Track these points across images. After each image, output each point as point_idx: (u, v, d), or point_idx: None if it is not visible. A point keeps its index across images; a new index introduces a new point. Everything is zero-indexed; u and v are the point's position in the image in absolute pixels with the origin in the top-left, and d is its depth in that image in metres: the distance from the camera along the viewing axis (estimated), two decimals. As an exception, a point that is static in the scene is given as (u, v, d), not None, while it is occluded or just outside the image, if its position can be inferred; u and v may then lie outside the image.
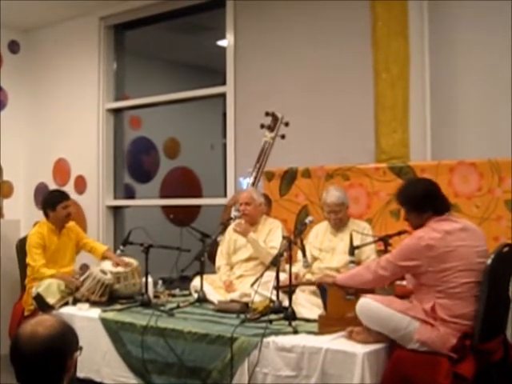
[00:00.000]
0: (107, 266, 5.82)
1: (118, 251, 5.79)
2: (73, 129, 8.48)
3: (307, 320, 4.55)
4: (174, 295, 5.87)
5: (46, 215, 6.13)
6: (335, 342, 4.01)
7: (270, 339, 4.13)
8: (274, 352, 4.09)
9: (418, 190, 4.21)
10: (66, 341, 2.47)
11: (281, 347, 4.08)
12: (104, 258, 6.10)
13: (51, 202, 6.12)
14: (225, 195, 7.13)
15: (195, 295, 5.55)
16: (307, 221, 5.08)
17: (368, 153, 5.91)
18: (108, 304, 5.46)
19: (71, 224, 6.28)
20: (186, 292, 5.90)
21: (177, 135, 9.81)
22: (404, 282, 4.42)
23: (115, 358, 4.92)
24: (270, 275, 4.78)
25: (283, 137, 6.10)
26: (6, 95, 8.75)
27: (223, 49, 7.31)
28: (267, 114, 6.13)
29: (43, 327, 2.43)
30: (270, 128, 6.11)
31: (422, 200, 4.14)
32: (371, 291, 4.19)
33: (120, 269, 5.77)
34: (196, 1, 7.47)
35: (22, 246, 6.53)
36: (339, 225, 5.29)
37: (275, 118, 6.12)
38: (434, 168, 5.35)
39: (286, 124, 6.10)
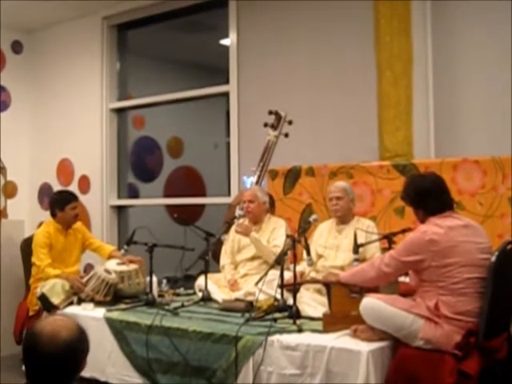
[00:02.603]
0: (111, 265, 5.82)
1: (122, 251, 5.82)
2: (76, 129, 8.49)
3: (312, 318, 4.55)
4: (178, 294, 5.87)
5: (54, 215, 6.13)
6: (340, 340, 4.02)
7: (275, 338, 4.14)
8: (279, 350, 4.09)
9: (411, 189, 4.28)
10: (84, 344, 2.51)
11: (285, 346, 4.08)
12: (111, 258, 6.10)
13: (60, 202, 6.12)
14: (229, 194, 7.14)
15: (200, 294, 5.55)
16: (311, 219, 5.09)
17: (372, 151, 5.91)
18: (112, 303, 5.47)
19: (78, 224, 6.28)
20: (191, 291, 5.91)
21: (180, 134, 9.81)
22: (407, 279, 4.42)
23: (120, 357, 4.93)
24: (275, 274, 4.79)
25: (287, 135, 6.10)
26: (10, 95, 8.76)
27: (226, 48, 7.31)
28: (270, 112, 6.13)
29: (65, 329, 2.46)
30: (274, 126, 6.11)
31: (414, 198, 4.24)
32: (375, 289, 4.20)
33: (124, 268, 5.77)
34: (199, 0, 7.47)
35: (26, 246, 6.55)
36: (342, 218, 5.29)
37: (278, 117, 6.12)
38: (438, 165, 5.34)
39: (290, 122, 6.09)
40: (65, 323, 2.49)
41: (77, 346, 2.46)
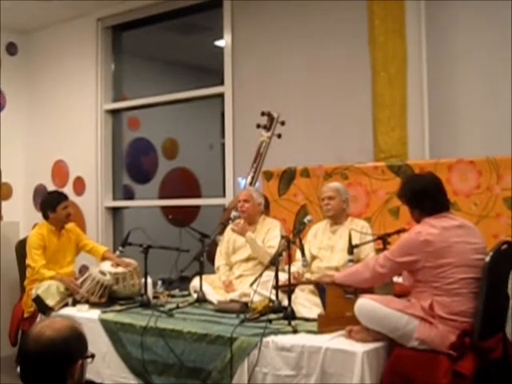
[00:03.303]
0: (106, 266, 5.82)
1: (118, 252, 5.79)
2: (71, 130, 8.48)
3: (307, 319, 4.54)
4: (173, 296, 5.86)
5: (46, 216, 6.12)
6: (335, 340, 4.01)
7: (270, 339, 4.13)
8: (274, 351, 4.08)
9: (408, 188, 4.27)
10: (69, 346, 2.46)
11: (280, 347, 4.07)
12: (104, 259, 6.10)
13: (51, 203, 6.12)
14: (224, 195, 7.14)
15: (195, 295, 5.54)
16: (306, 220, 5.08)
17: (366, 151, 5.91)
18: (107, 305, 5.46)
19: (71, 225, 6.28)
20: (186, 292, 5.90)
21: (175, 136, 9.82)
22: (400, 279, 4.42)
23: (115, 358, 4.92)
24: (270, 275, 4.79)
25: (279, 136, 6.11)
26: (4, 97, 8.75)
27: (221, 49, 7.32)
28: (263, 113, 6.14)
29: (51, 329, 2.44)
30: (266, 127, 6.13)
31: (410, 198, 4.23)
32: (370, 289, 4.20)
33: (119, 270, 5.77)
34: (193, 1, 7.48)
35: (21, 247, 6.54)
36: (334, 217, 5.29)
37: (271, 118, 6.13)
38: (433, 166, 5.34)
39: (282, 123, 6.11)
40: (56, 324, 2.47)
41: (59, 347, 2.42)
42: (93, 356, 2.56)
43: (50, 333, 2.43)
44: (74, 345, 2.49)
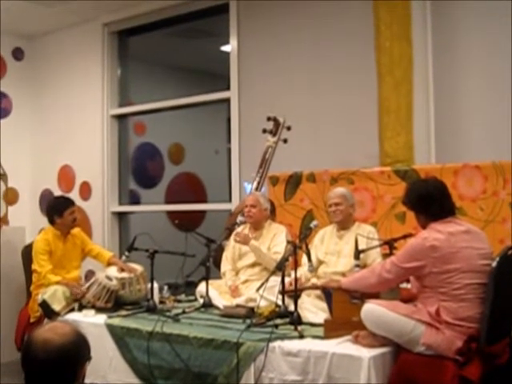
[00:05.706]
0: (112, 272, 5.83)
1: (124, 257, 5.80)
2: (77, 135, 8.49)
3: (313, 324, 4.55)
4: (179, 301, 5.87)
5: (52, 222, 6.12)
6: (341, 346, 4.01)
7: (276, 344, 4.13)
8: (280, 357, 4.08)
9: (413, 193, 4.26)
10: (79, 350, 2.47)
11: (287, 352, 4.07)
12: (110, 264, 6.10)
13: (58, 208, 6.11)
14: (230, 200, 7.14)
15: (201, 300, 5.55)
16: (312, 225, 5.07)
17: (372, 156, 5.91)
18: (114, 310, 5.46)
19: (76, 230, 6.28)
20: (192, 297, 5.91)
21: (181, 141, 9.81)
22: (409, 286, 4.42)
23: (121, 363, 4.92)
24: (276, 280, 4.79)
25: (286, 141, 6.11)
26: (11, 102, 8.77)
27: (227, 54, 7.32)
28: (269, 118, 6.14)
29: (58, 335, 2.43)
30: (272, 132, 6.12)
31: (416, 203, 4.23)
32: (376, 295, 4.19)
33: (125, 275, 5.77)
34: (199, 6, 7.48)
35: (27, 252, 6.55)
36: (341, 223, 5.28)
37: (277, 123, 6.13)
38: (439, 171, 5.33)
39: (288, 128, 6.11)
40: (60, 329, 2.47)
41: (71, 352, 2.42)
42: (90, 358, 2.57)
43: (58, 339, 2.42)
44: (82, 348, 2.50)
